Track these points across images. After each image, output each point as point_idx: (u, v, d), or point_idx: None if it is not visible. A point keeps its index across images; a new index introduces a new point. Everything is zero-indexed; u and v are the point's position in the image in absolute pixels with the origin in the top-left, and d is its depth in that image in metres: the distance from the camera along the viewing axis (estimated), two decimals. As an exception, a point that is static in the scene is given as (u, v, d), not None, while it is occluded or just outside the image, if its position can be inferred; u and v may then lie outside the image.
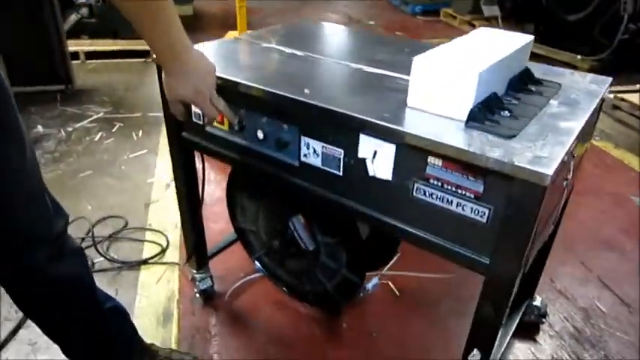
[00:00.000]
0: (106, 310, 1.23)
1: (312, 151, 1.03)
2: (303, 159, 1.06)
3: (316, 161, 1.03)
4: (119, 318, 1.28)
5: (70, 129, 2.84)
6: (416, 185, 0.90)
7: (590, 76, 1.16)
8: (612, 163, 2.70)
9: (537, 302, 1.57)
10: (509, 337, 1.42)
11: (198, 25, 4.69)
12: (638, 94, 3.26)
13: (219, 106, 1.04)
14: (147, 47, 1.22)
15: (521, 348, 1.53)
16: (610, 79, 1.15)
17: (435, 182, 0.88)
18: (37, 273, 1.01)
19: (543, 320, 1.59)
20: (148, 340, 1.39)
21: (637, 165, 2.68)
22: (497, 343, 0.96)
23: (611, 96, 3.31)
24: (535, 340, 1.56)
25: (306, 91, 1.01)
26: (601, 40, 4.03)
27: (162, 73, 0.98)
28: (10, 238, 0.95)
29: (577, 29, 4.17)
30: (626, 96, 3.23)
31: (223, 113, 1.07)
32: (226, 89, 1.08)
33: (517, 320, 1.48)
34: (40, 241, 0.99)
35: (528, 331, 1.59)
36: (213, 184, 2.34)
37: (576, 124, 0.89)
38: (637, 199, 2.33)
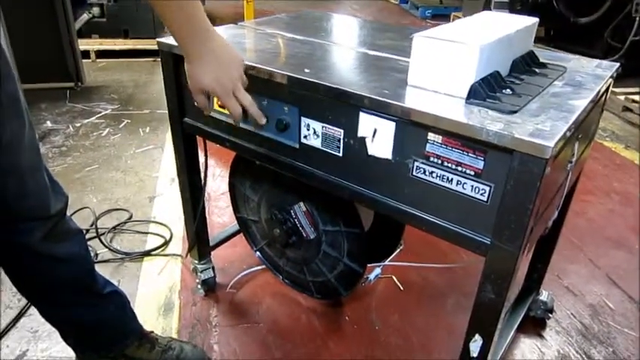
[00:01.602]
0: (106, 294, 1.22)
1: (313, 132, 1.02)
2: (303, 140, 1.05)
3: (316, 142, 1.02)
4: (119, 303, 1.27)
5: (78, 124, 2.87)
6: (416, 164, 0.89)
7: (597, 61, 1.14)
8: (622, 163, 2.66)
9: (544, 297, 1.54)
10: (514, 331, 1.39)
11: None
12: (649, 96, 3.21)
13: (244, 101, 0.96)
14: (156, 47, 1.22)
15: (526, 343, 1.50)
16: (617, 64, 1.13)
17: (435, 160, 0.86)
18: (30, 249, 1.01)
19: (550, 315, 1.55)
20: (148, 329, 1.38)
21: (648, 165, 2.64)
22: (499, 327, 0.94)
23: (622, 98, 3.27)
24: (541, 336, 1.53)
25: (307, 70, 1.00)
26: (613, 42, 3.99)
27: (185, 62, 0.93)
28: (5, 211, 0.95)
29: (588, 32, 4.13)
30: (636, 97, 3.19)
31: (249, 110, 0.99)
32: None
33: (522, 314, 1.46)
34: (37, 217, 0.99)
35: (534, 326, 1.55)
36: (219, 179, 2.34)
37: (580, 103, 0.87)
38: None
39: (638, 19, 3.70)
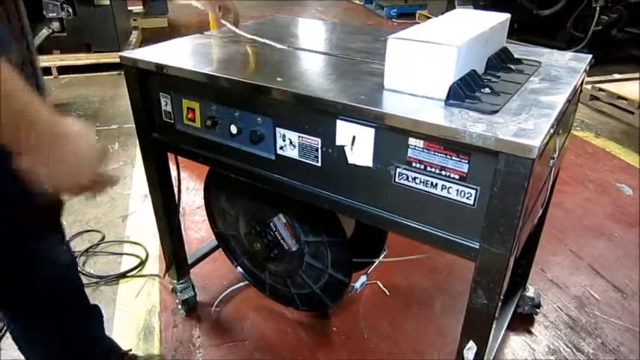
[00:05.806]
0: (92, 305, 1.18)
1: (289, 143, 0.98)
2: (279, 152, 1.01)
3: (293, 153, 0.98)
4: (100, 318, 1.22)
5: (42, 145, 2.76)
6: (398, 170, 0.86)
7: (570, 54, 1.14)
8: (594, 152, 2.70)
9: (530, 293, 1.53)
10: (503, 330, 1.38)
11: (172, 37, 4.61)
12: (615, 84, 3.27)
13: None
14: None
15: (516, 340, 1.49)
16: (589, 56, 1.12)
17: (418, 165, 0.83)
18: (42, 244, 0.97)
19: (537, 311, 1.55)
20: (127, 354, 1.32)
21: (619, 152, 2.68)
22: (492, 333, 0.92)
23: (589, 87, 3.33)
24: (530, 332, 1.52)
25: (279, 79, 0.96)
26: (575, 33, 4.07)
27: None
28: None
29: (551, 24, 4.20)
30: (603, 86, 3.25)
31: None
32: (196, 84, 1.03)
33: (511, 312, 1.44)
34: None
35: (523, 322, 1.55)
36: (193, 192, 2.28)
37: (559, 98, 0.86)
38: (624, 187, 2.31)
39: (598, 9, 3.78)
